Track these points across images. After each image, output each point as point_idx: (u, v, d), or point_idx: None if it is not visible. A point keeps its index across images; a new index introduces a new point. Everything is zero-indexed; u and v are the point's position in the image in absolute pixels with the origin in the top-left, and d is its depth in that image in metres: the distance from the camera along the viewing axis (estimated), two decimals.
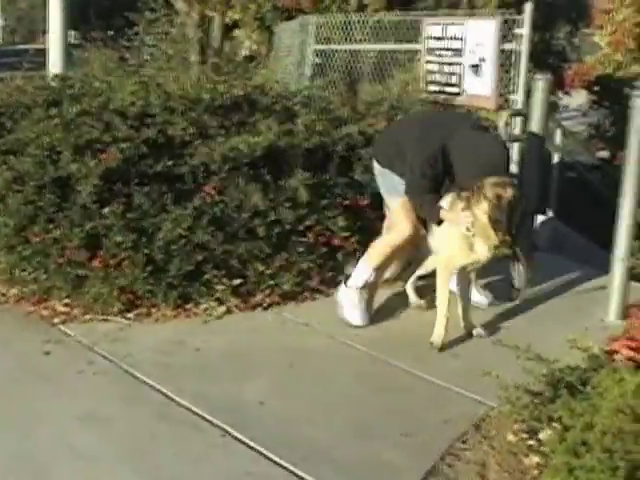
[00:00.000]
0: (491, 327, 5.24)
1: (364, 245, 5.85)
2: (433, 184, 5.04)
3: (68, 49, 9.21)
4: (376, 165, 5.46)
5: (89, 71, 7.65)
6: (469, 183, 4.79)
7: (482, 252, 4.91)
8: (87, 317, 5.26)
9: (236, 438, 3.84)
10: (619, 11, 8.83)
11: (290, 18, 11.89)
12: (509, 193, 4.67)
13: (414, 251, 5.49)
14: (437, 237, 5.18)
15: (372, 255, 5.35)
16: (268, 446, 3.75)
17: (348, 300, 5.31)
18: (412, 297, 5.60)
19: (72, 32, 13.68)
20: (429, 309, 5.32)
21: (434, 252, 5.28)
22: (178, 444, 3.78)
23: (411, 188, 5.10)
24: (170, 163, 5.53)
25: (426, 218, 5.18)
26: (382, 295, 5.59)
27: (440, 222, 5.03)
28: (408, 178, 5.11)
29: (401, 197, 5.21)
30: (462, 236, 4.89)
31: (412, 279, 5.62)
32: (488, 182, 4.68)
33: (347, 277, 5.43)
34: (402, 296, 5.61)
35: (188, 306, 5.40)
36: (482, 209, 4.70)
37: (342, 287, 5.40)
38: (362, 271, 5.33)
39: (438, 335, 4.95)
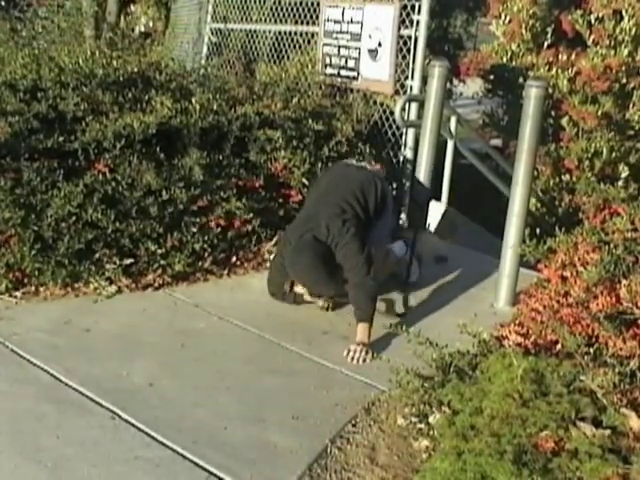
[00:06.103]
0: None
1: (258, 226, 5.84)
2: None
3: None
4: None
5: None
6: None
7: None
8: None
9: (126, 420, 3.78)
10: (515, 2, 8.91)
11: None
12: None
13: None
14: None
15: None
16: (158, 429, 3.71)
17: None
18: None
19: None
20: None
21: None
22: (64, 426, 3.69)
23: None
24: (61, 139, 5.41)
25: None
26: None
27: None
28: None
29: None
30: None
31: None
32: None
33: None
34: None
35: (77, 285, 5.32)
36: None
37: None
38: None
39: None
